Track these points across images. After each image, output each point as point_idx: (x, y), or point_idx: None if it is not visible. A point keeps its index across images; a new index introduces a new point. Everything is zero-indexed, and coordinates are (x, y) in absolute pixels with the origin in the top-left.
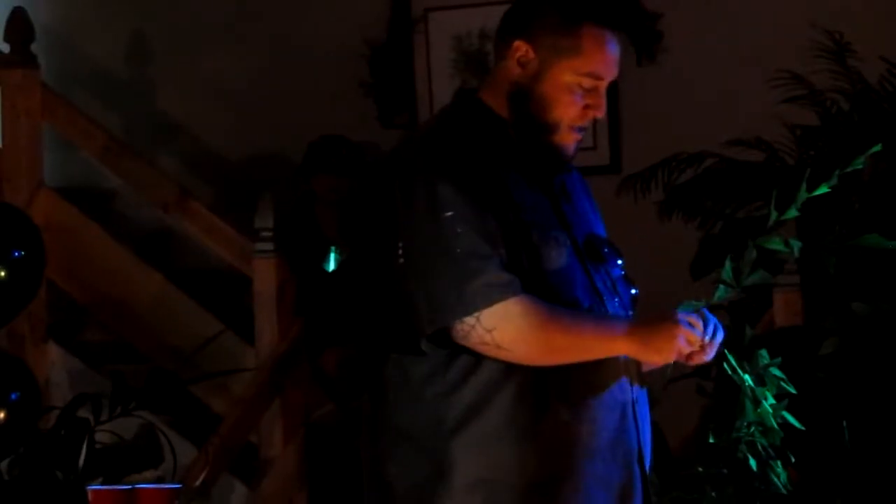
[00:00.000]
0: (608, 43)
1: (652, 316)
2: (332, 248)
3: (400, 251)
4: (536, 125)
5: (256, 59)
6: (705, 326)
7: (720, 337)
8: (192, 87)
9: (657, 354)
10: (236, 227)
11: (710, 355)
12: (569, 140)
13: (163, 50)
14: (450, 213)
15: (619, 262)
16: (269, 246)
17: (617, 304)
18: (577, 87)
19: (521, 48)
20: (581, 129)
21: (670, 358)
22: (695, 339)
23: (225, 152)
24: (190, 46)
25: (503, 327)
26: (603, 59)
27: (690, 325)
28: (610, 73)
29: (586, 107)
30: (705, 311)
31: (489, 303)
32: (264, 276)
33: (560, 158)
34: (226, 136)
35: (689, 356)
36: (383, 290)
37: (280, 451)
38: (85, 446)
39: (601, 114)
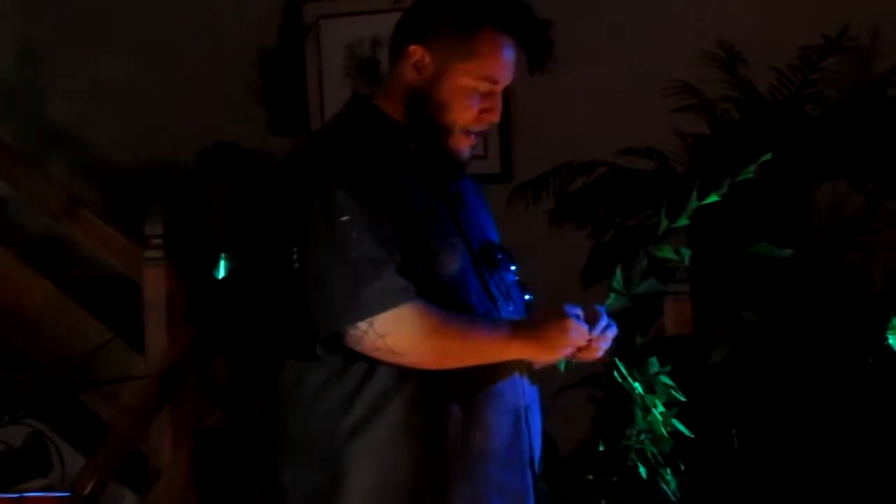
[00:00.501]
0: (504, 47)
1: (540, 314)
2: (223, 255)
3: (295, 256)
4: (432, 128)
5: (146, 64)
6: (596, 320)
7: (612, 331)
8: (81, 93)
9: (550, 351)
10: (126, 234)
11: (601, 350)
12: (464, 144)
13: (51, 55)
14: (345, 218)
15: (513, 267)
16: (159, 253)
17: (511, 309)
18: (473, 91)
19: (416, 52)
20: (476, 134)
21: (563, 353)
22: (585, 332)
23: (115, 159)
24: (79, 52)
25: (396, 333)
26: (499, 63)
27: (580, 318)
28: (506, 78)
29: (482, 111)
30: (597, 306)
31: (383, 308)
32: (154, 283)
33: (455, 162)
34: (116, 143)
35: (580, 351)
36: (278, 296)
37: (170, 459)
38: None
39: (497, 118)
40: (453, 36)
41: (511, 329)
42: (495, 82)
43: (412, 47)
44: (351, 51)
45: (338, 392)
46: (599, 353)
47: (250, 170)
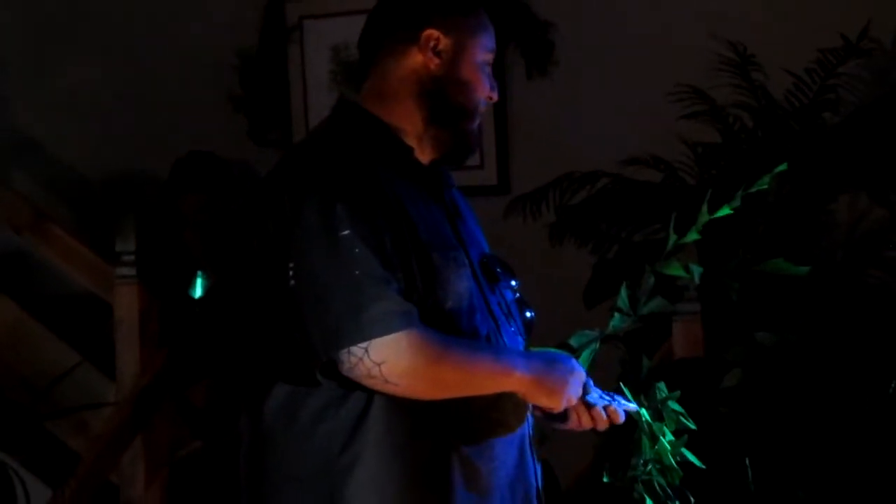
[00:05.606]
0: (487, 18)
1: (554, 367)
2: (199, 272)
3: (291, 272)
4: (459, 113)
5: (118, 71)
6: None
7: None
8: (49, 101)
9: (553, 396)
10: (96, 251)
11: (599, 424)
12: (476, 124)
13: (17, 63)
14: (346, 232)
15: (514, 283)
16: (130, 271)
17: (513, 329)
18: (485, 65)
19: (433, 35)
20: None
21: (565, 402)
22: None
23: (84, 171)
24: (46, 59)
25: (393, 361)
26: (492, 33)
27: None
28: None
29: (490, 87)
30: (611, 401)
31: (381, 333)
32: (126, 303)
33: (474, 148)
34: (85, 154)
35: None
36: (270, 315)
37: (142, 491)
38: None
39: (497, 95)
40: (460, 13)
41: (514, 369)
42: (494, 53)
43: (427, 31)
44: (337, 54)
45: (337, 421)
46: (597, 426)
47: (229, 180)
